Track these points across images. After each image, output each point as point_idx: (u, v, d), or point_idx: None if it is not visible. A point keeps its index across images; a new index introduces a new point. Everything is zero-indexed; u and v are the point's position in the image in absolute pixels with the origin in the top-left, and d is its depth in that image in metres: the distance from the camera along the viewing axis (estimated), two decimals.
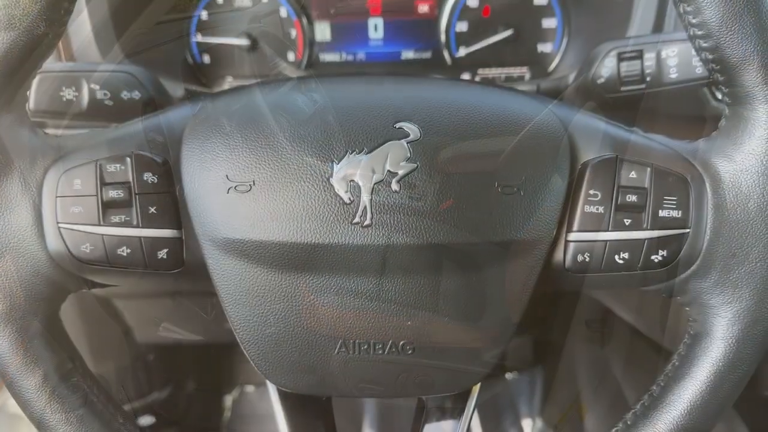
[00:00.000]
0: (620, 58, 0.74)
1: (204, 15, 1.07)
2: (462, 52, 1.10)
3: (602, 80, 0.76)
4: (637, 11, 0.87)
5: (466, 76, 1.10)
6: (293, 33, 1.08)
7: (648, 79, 0.73)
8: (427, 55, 1.12)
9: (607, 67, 0.75)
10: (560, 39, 1.09)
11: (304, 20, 1.07)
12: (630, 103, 0.80)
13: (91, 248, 0.55)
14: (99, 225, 0.55)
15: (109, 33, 0.90)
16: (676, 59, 0.71)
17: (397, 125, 0.56)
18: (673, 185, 0.55)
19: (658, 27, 0.87)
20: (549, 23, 1.08)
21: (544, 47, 1.09)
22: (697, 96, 0.86)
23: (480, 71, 1.10)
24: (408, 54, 1.12)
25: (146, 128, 0.59)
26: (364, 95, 0.60)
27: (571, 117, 0.60)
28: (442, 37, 1.09)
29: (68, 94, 0.72)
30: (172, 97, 0.80)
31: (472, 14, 1.08)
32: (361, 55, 1.12)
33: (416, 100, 0.58)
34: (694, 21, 0.52)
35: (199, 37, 1.08)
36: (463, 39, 1.09)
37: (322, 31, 1.10)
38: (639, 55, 0.73)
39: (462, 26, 1.09)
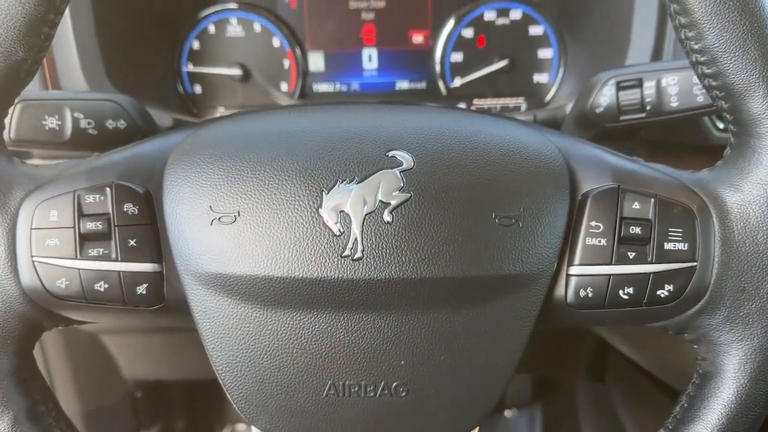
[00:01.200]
0: (619, 87, 0.72)
1: (195, 44, 1.05)
2: (457, 82, 1.09)
3: (601, 109, 0.74)
4: (635, 40, 0.85)
5: (461, 106, 1.09)
6: (286, 63, 1.07)
7: (648, 108, 0.71)
8: (422, 85, 1.10)
9: (605, 96, 0.73)
10: (556, 69, 1.07)
11: (298, 50, 1.06)
12: (630, 132, 0.78)
13: (67, 283, 0.53)
14: (76, 258, 0.52)
15: (97, 61, 0.88)
16: (677, 87, 0.70)
17: (390, 154, 0.53)
18: (678, 217, 0.53)
19: (656, 55, 0.86)
20: (545, 53, 1.07)
21: (540, 77, 1.08)
22: (698, 125, 0.84)
23: (475, 101, 1.09)
24: (402, 84, 1.11)
25: (128, 157, 0.57)
26: (354, 122, 0.57)
27: (570, 146, 0.58)
28: (437, 68, 1.08)
29: (51, 122, 0.69)
30: (160, 127, 0.78)
31: (467, 45, 1.07)
32: (355, 86, 1.10)
33: (409, 128, 0.56)
34: (696, 47, 0.50)
35: (190, 67, 1.06)
36: (459, 69, 1.08)
37: (316, 62, 1.08)
38: (638, 84, 0.72)
39: (457, 56, 1.08)
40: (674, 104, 0.70)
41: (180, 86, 1.06)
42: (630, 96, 0.72)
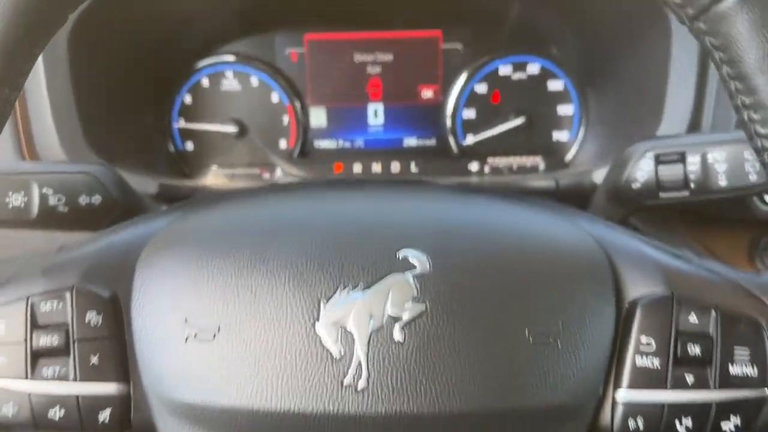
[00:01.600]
0: (659, 161, 0.64)
1: (188, 99, 0.98)
2: (470, 140, 1.01)
3: (638, 185, 0.65)
4: (671, 103, 0.77)
5: (474, 165, 1.01)
6: (285, 119, 1.00)
7: (692, 185, 0.63)
8: (432, 142, 1.03)
9: (643, 171, 0.65)
10: (577, 127, 1.00)
11: (298, 105, 0.99)
12: (668, 206, 0.70)
13: (15, 409, 0.44)
14: (26, 379, 0.44)
15: (74, 122, 0.80)
16: (725, 165, 0.61)
17: (400, 254, 0.44)
18: (744, 333, 0.44)
19: (695, 123, 0.77)
20: (565, 110, 0.99)
21: (560, 135, 1.00)
22: (743, 198, 0.76)
23: (489, 160, 1.01)
24: (410, 141, 1.03)
25: (93, 253, 0.49)
26: (358, 212, 0.49)
27: (611, 238, 0.49)
28: (448, 124, 1.00)
29: (15, 200, 0.61)
30: (141, 199, 0.70)
31: (480, 100, 0.99)
32: (359, 142, 1.03)
33: (423, 221, 0.47)
34: (763, 131, 0.42)
35: (182, 123, 0.99)
36: (471, 126, 1.00)
37: (318, 117, 1.01)
38: (681, 159, 0.63)
39: (470, 113, 1.00)
40: (723, 183, 0.62)
41: (170, 144, 0.99)
42: (671, 171, 0.64)
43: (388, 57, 0.98)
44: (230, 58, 0.97)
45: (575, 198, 0.85)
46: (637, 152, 0.66)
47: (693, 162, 0.63)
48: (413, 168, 1.01)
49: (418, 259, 0.44)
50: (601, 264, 0.47)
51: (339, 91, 1.00)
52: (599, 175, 0.81)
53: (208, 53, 0.97)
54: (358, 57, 0.98)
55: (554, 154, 1.00)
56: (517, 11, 0.93)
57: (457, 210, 0.50)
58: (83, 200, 0.63)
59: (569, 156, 1.00)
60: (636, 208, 0.68)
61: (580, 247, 0.47)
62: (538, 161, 1.01)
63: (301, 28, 0.97)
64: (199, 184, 0.89)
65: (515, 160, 1.01)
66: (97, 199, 0.63)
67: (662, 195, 0.65)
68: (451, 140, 1.01)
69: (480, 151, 1.01)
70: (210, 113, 0.98)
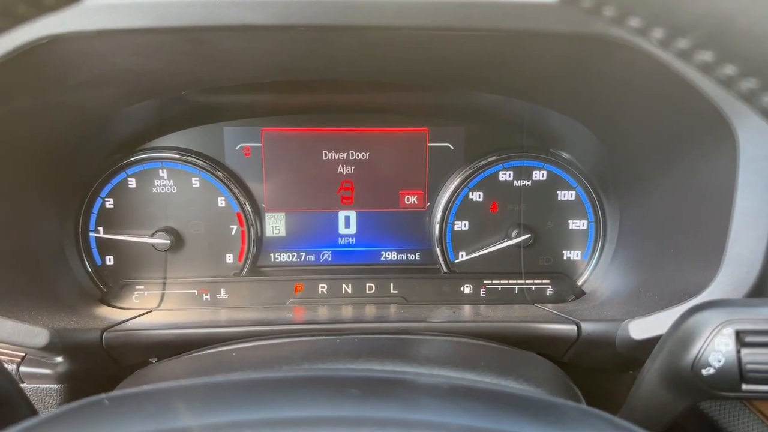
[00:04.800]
0: (742, 342, 0.46)
1: (109, 203, 0.77)
2: (462, 257, 0.82)
3: (711, 372, 0.47)
4: (735, 240, 0.58)
5: (468, 288, 0.82)
6: (233, 228, 0.80)
7: None
8: (415, 258, 0.83)
9: (719, 352, 0.46)
10: (592, 245, 0.82)
11: (250, 210, 0.79)
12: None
13: None
14: None
15: None
16: None
17: None
18: None
19: None
20: (577, 224, 0.82)
21: (571, 254, 0.82)
22: None
23: (486, 283, 0.82)
24: (389, 256, 0.83)
25: None
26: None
27: None
28: (435, 237, 0.82)
29: None
30: (10, 387, 0.48)
31: (475, 210, 0.81)
32: (326, 256, 0.83)
33: None
34: None
35: (100, 233, 0.78)
36: (464, 241, 0.82)
37: (275, 225, 0.81)
38: None
39: (462, 224, 0.82)
40: None
41: (86, 259, 0.77)
42: (761, 358, 0.45)
43: (363, 155, 0.80)
44: (165, 153, 0.77)
45: (605, 350, 0.66)
46: (709, 323, 0.47)
47: None
48: (392, 289, 0.82)
49: None
50: None
51: (302, 195, 0.81)
52: (638, 328, 0.62)
53: (135, 147, 0.77)
54: (328, 154, 0.80)
55: (565, 277, 0.82)
56: (521, 108, 0.75)
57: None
58: None
59: (582, 279, 0.82)
60: (703, 397, 0.49)
61: None
62: (547, 285, 0.82)
63: (257, 119, 0.78)
64: (102, 326, 0.68)
65: (517, 284, 0.82)
66: None
67: (746, 387, 0.46)
68: (439, 256, 0.82)
69: (474, 270, 0.82)
70: (136, 221, 0.78)
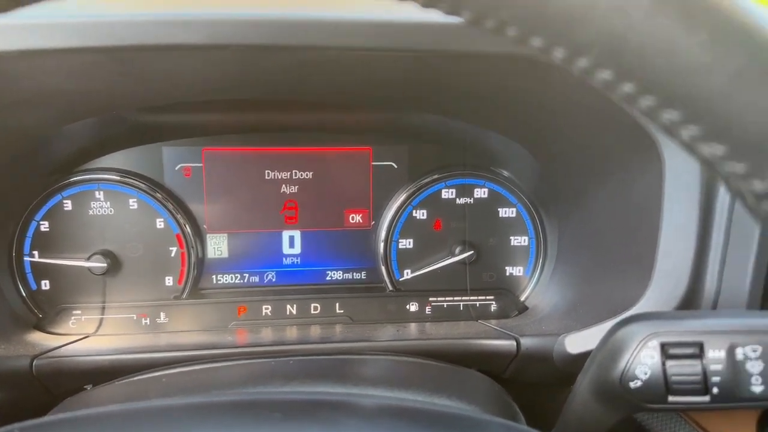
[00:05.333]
0: (667, 353, 0.47)
1: (44, 226, 0.75)
2: (407, 275, 0.82)
3: (638, 384, 0.48)
4: (664, 253, 0.60)
5: (413, 306, 0.82)
6: (173, 250, 0.78)
7: (714, 390, 0.46)
8: (361, 276, 0.83)
9: (644, 365, 0.48)
10: (534, 261, 0.83)
11: (190, 232, 0.78)
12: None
13: None
14: None
15: None
16: (761, 364, 0.44)
17: None
18: None
19: (696, 277, 0.59)
20: (518, 241, 0.83)
21: (513, 270, 0.83)
22: None
23: (432, 300, 0.82)
24: (335, 274, 0.83)
25: None
26: None
27: None
28: (380, 256, 0.82)
29: None
30: None
31: (419, 227, 0.82)
32: (270, 276, 0.82)
33: None
34: None
35: (35, 257, 0.75)
36: (408, 259, 0.82)
37: (217, 246, 0.80)
38: (698, 352, 0.46)
39: (407, 242, 0.82)
40: (758, 389, 0.45)
41: (20, 284, 0.75)
42: (685, 369, 0.46)
43: (307, 174, 0.80)
44: (103, 175, 0.75)
45: (542, 365, 0.67)
46: (635, 337, 0.48)
47: (715, 357, 0.46)
48: (338, 309, 0.81)
49: None
50: None
51: (245, 215, 0.80)
52: (574, 343, 0.63)
53: (73, 168, 0.75)
54: (271, 174, 0.79)
55: (507, 293, 0.83)
56: (463, 127, 0.77)
57: None
58: None
59: (525, 295, 0.83)
60: (630, 409, 0.50)
61: None
62: (491, 301, 0.83)
63: (197, 139, 0.77)
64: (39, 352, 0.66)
65: (462, 300, 0.83)
66: None
67: (672, 399, 0.47)
68: (385, 275, 0.82)
69: (419, 288, 0.83)
70: (73, 244, 0.76)
